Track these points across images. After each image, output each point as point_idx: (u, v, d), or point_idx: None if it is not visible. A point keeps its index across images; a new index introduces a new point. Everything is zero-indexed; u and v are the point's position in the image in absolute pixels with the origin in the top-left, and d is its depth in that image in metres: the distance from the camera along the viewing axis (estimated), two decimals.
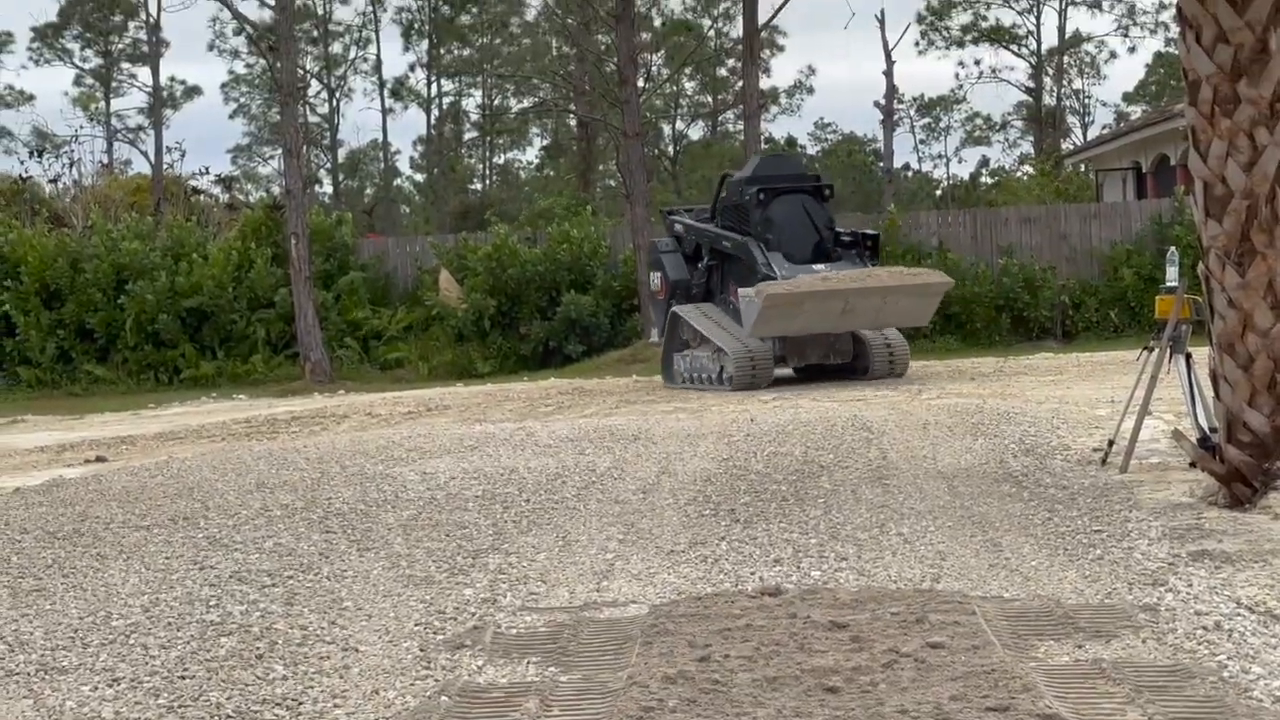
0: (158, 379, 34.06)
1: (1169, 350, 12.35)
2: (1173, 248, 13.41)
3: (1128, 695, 5.93)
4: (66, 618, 8.34)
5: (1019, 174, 71.28)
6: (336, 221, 37.19)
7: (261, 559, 9.92)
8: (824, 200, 25.17)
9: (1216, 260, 10.29)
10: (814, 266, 24.01)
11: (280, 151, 42.95)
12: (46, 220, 38.99)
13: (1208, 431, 11.46)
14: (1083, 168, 53.68)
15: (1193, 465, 11.09)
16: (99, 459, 18.07)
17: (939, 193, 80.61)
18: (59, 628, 8.08)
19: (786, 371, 25.12)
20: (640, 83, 55.78)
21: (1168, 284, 12.71)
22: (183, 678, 6.94)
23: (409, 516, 11.43)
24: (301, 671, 7.01)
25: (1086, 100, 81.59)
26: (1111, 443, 12.73)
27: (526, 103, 79.43)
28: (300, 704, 6.46)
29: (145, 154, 66.58)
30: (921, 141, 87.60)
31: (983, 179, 79.77)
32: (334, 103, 78.16)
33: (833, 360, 24.52)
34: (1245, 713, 5.70)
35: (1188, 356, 12.21)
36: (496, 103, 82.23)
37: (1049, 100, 78.12)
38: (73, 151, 51.87)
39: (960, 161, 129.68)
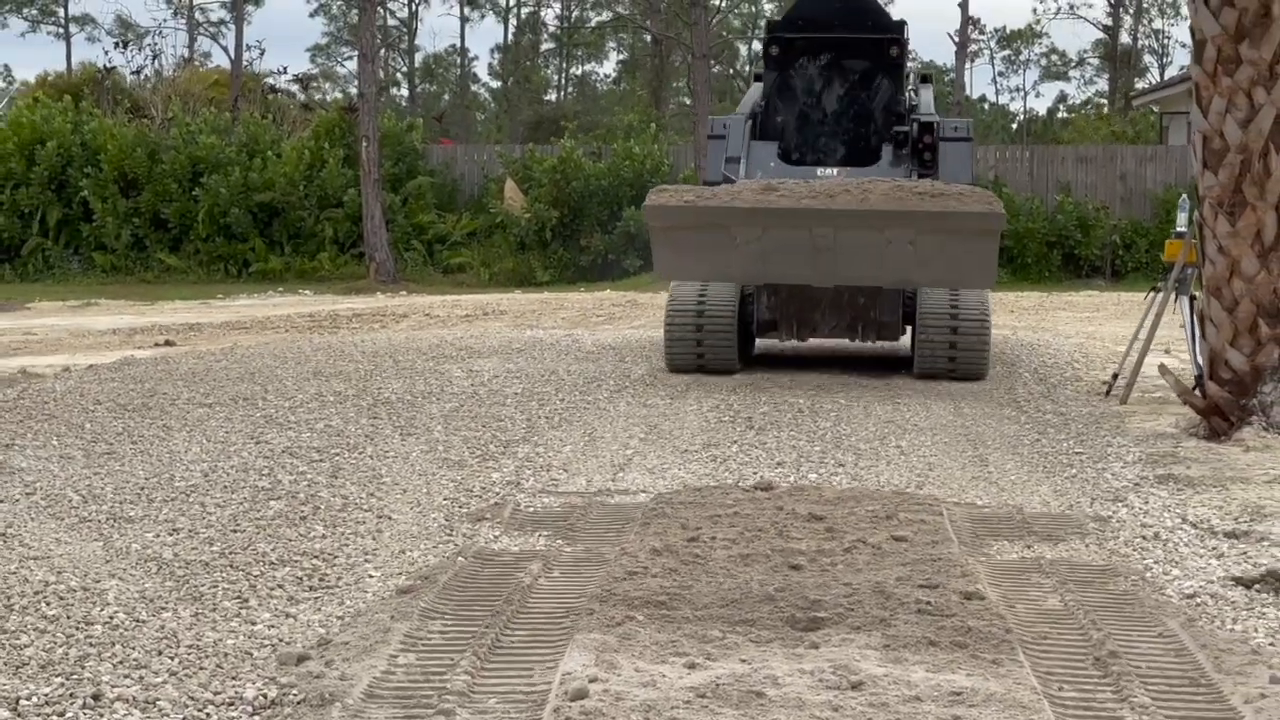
0: (227, 271, 35.07)
1: (1174, 291, 13.10)
2: (1185, 195, 14.11)
3: (1054, 586, 6.77)
4: (134, 477, 9.28)
5: (1089, 112, 71.50)
6: (407, 127, 38.01)
7: (312, 437, 10.85)
8: (891, 65, 16.55)
9: (1210, 209, 11.04)
10: (821, 170, 15.67)
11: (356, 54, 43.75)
12: (127, 111, 39.97)
13: (1202, 367, 12.22)
14: (1155, 109, 53.93)
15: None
16: (168, 343, 19.06)
17: (1014, 126, 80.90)
18: (127, 485, 9.03)
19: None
20: (717, 0, 56.49)
21: (1177, 229, 13.43)
22: (234, 531, 7.87)
23: (451, 408, 12.33)
24: (339, 532, 7.92)
25: (1165, 40, 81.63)
26: (1116, 376, 13.54)
27: (604, 16, 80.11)
28: (335, 557, 7.38)
29: (225, 49, 67.59)
30: (1000, 74, 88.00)
31: (1059, 114, 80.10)
32: (413, 7, 78.89)
33: (863, 338, 15.41)
34: (1153, 605, 6.52)
35: (1192, 298, 12.93)
36: (575, 15, 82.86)
37: (1126, 39, 78.12)
38: (155, 44, 52.83)
39: (1038, 95, 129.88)
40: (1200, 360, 12.00)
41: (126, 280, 34.25)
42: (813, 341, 16.13)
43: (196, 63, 62.67)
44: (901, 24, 16.66)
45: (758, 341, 16.42)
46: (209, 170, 35.45)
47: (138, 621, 6.21)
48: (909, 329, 15.22)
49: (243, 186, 35.10)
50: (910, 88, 16.53)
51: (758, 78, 17.18)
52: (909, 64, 16.41)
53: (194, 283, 33.74)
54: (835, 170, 15.64)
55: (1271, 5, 10.84)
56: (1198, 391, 11.28)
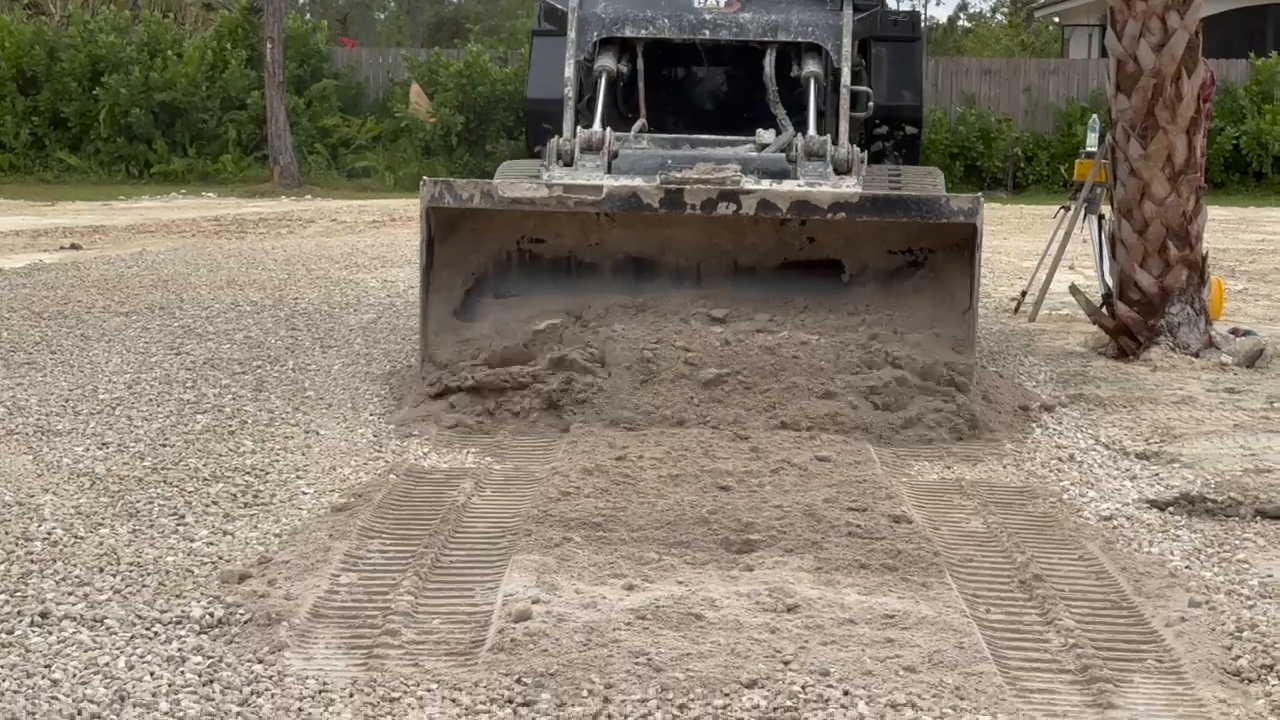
0: (128, 171, 34.66)
1: (1084, 210, 13.29)
2: (1094, 115, 14.29)
3: (975, 508, 6.94)
4: (57, 389, 9.28)
5: (993, 21, 71.76)
6: (312, 29, 37.67)
7: (233, 349, 10.86)
8: None
9: (1123, 132, 11.21)
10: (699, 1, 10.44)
11: None
12: (25, 7, 39.34)
13: (1112, 288, 12.44)
14: (1056, 20, 54.22)
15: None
16: (74, 246, 18.89)
17: None
18: (51, 397, 9.03)
19: None
20: None
21: (1087, 149, 13.61)
22: (164, 445, 7.91)
23: (369, 320, 12.37)
24: (268, 448, 7.98)
25: None
26: (1024, 293, 13.75)
27: None
28: (267, 474, 7.44)
29: None
30: None
31: (960, 22, 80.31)
32: None
33: None
34: (1071, 527, 6.71)
35: (1100, 217, 13.13)
36: None
37: None
38: None
39: (939, 4, 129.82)
40: (1109, 280, 12.21)
41: (26, 179, 33.78)
42: None
43: None
44: None
45: None
46: (109, 69, 34.94)
47: (76, 538, 6.26)
48: None
49: (144, 86, 34.64)
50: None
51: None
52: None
53: (95, 183, 33.33)
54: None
55: None
56: (1106, 311, 11.49)
